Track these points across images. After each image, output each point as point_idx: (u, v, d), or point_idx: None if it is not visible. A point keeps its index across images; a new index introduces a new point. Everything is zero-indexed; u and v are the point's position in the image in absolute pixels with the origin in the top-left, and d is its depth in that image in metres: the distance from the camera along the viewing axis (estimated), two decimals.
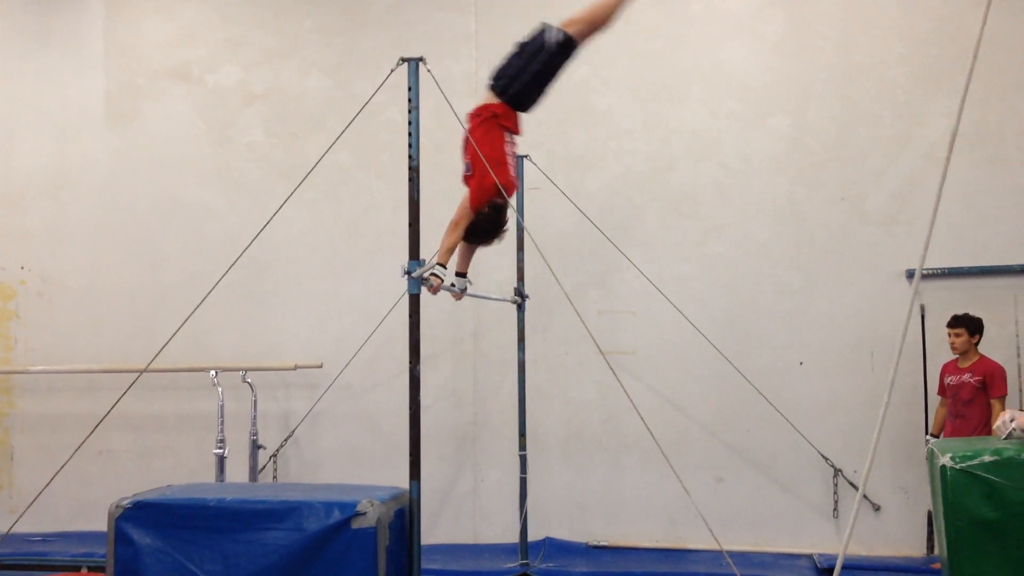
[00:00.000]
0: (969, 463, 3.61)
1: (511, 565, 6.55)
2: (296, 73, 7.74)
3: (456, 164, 7.21)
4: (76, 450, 4.98)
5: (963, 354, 6.27)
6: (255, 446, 6.93)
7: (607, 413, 7.16)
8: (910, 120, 6.95)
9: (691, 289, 7.02)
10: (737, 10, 7.23)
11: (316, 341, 7.48)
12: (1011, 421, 3.80)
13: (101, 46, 7.97)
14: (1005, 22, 6.58)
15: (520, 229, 6.48)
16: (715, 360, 6.74)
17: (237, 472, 7.04)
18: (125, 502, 4.19)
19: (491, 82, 4.93)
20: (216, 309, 6.15)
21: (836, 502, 6.84)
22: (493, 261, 6.71)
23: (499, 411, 7.26)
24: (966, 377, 6.19)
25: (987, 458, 3.60)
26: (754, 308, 7.06)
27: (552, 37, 4.80)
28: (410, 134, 4.52)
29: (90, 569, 6.57)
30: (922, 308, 6.64)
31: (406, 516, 4.29)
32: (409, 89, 4.54)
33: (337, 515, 4.00)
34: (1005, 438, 3.81)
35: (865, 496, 6.72)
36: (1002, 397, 6.10)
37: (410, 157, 4.50)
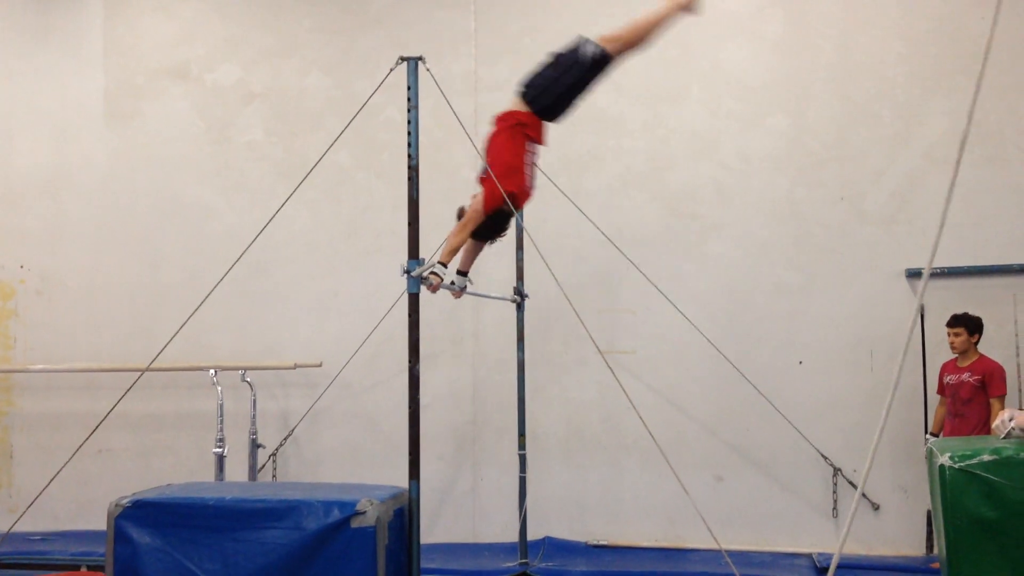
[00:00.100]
0: (968, 462, 3.61)
1: (510, 564, 6.55)
2: (295, 72, 7.74)
3: (455, 163, 7.29)
4: (77, 450, 4.99)
5: (962, 353, 6.27)
6: (254, 445, 6.93)
7: (606, 412, 7.16)
8: (910, 120, 6.95)
9: (690, 289, 7.02)
10: (737, 10, 7.23)
11: (315, 340, 7.48)
12: (1010, 420, 3.80)
13: (100, 45, 7.97)
14: (1007, 22, 6.53)
15: (520, 228, 6.48)
16: (714, 359, 6.74)
17: (236, 471, 7.04)
18: (124, 501, 4.19)
19: (521, 89, 4.89)
20: (215, 308, 6.14)
21: (835, 501, 6.85)
22: (493, 260, 6.71)
23: (498, 410, 7.26)
24: (965, 376, 6.19)
25: (986, 457, 3.60)
26: (753, 307, 7.06)
27: (588, 51, 4.76)
28: (409, 133, 4.52)
29: (89, 568, 6.57)
30: (922, 308, 6.64)
31: (405, 515, 4.29)
32: (408, 88, 4.54)
33: (336, 514, 4.00)
34: (1004, 437, 3.81)
35: (864, 495, 6.73)
36: (1001, 396, 6.11)
37: (409, 156, 4.50)
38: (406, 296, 4.47)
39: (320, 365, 7.24)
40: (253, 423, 6.98)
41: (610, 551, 6.97)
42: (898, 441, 6.68)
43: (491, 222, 4.84)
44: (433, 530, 7.09)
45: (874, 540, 6.76)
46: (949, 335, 6.31)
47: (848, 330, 6.93)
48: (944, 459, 3.66)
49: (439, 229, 6.00)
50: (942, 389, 6.43)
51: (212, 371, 6.85)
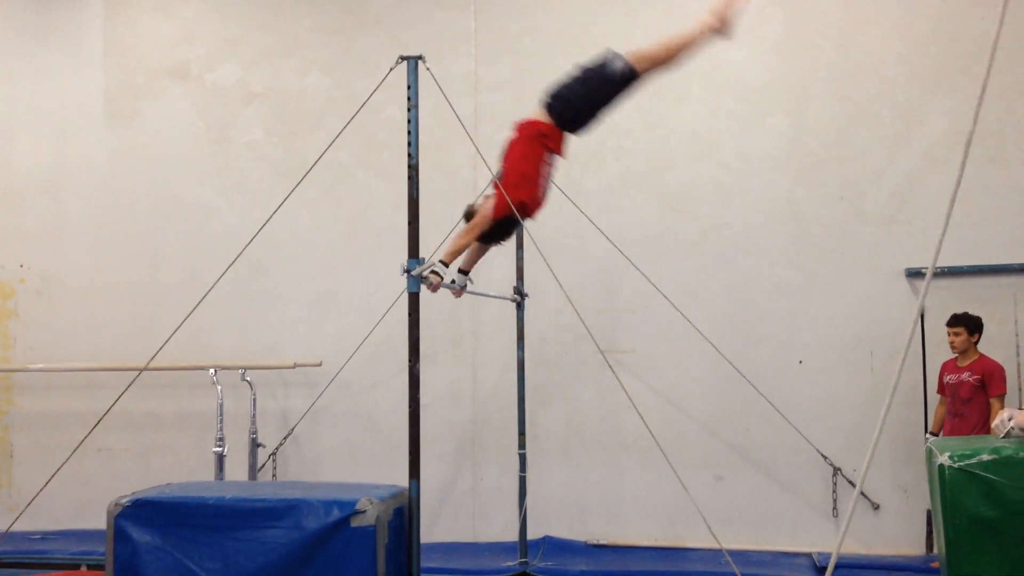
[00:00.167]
0: (967, 462, 3.61)
1: (510, 563, 6.55)
2: (295, 72, 7.74)
3: (455, 162, 7.29)
4: (76, 449, 4.98)
5: (962, 353, 6.27)
6: (254, 444, 6.93)
7: (606, 412, 7.16)
8: (909, 119, 6.95)
9: (690, 288, 7.02)
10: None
11: (315, 339, 7.48)
12: (1009, 420, 3.81)
13: (100, 45, 7.97)
14: (1007, 21, 6.56)
15: (520, 228, 6.48)
16: (714, 359, 6.74)
17: (236, 471, 7.05)
18: (124, 500, 4.19)
19: (546, 100, 4.82)
20: (215, 307, 6.15)
21: (835, 501, 6.85)
22: (493, 260, 6.68)
23: (498, 410, 7.26)
24: (965, 376, 6.19)
25: (985, 457, 3.60)
26: (753, 307, 7.06)
27: (617, 68, 4.71)
28: (409, 132, 4.52)
29: (89, 567, 6.57)
30: (922, 307, 6.63)
31: (405, 514, 4.29)
32: (408, 88, 4.54)
33: (336, 513, 4.00)
34: (1003, 437, 3.81)
35: (864, 495, 6.73)
36: (1001, 396, 6.11)
37: (409, 155, 4.50)
38: (406, 295, 4.48)
39: (320, 364, 7.24)
40: (253, 422, 6.98)
41: (610, 550, 6.97)
42: (898, 441, 6.68)
43: (499, 227, 4.87)
44: (433, 529, 7.10)
45: (874, 539, 6.76)
46: (949, 335, 6.31)
47: (848, 330, 6.93)
48: (943, 458, 3.67)
49: (439, 228, 6.02)
50: (942, 389, 6.43)
51: (212, 370, 6.85)
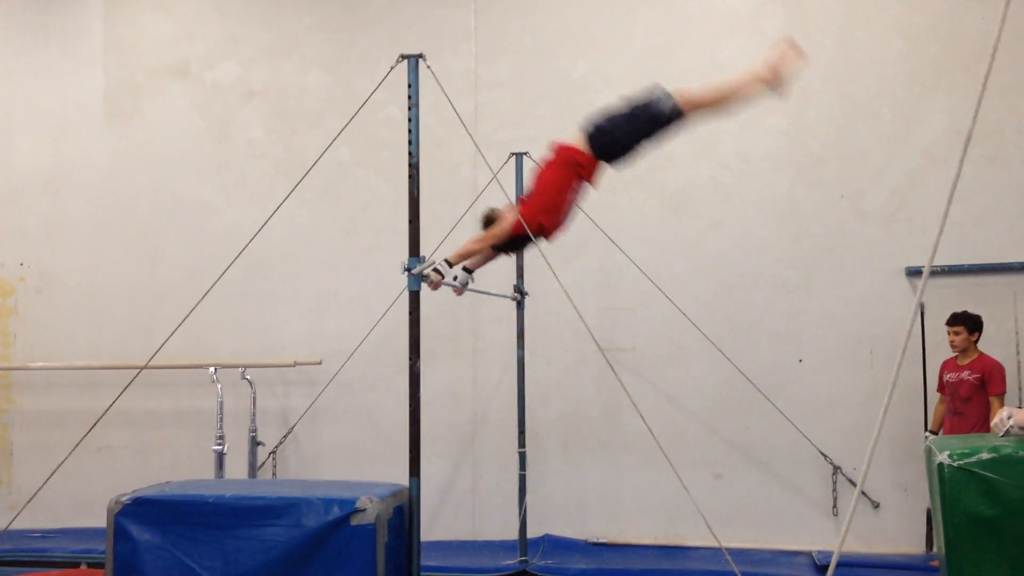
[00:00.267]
0: (967, 460, 3.61)
1: (510, 562, 6.55)
2: (295, 70, 7.74)
3: (456, 160, 7.29)
4: (75, 446, 4.98)
5: (962, 352, 6.27)
6: (254, 443, 6.94)
7: (606, 410, 7.17)
8: (909, 118, 6.95)
9: (690, 287, 7.02)
10: (736, 8, 7.22)
11: (315, 338, 7.48)
12: (1009, 418, 3.80)
13: (100, 43, 7.97)
14: (1007, 21, 6.57)
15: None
16: (714, 357, 6.75)
17: (236, 469, 7.05)
18: (124, 498, 4.19)
19: (589, 129, 4.77)
20: (215, 306, 6.13)
21: (835, 499, 6.85)
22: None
23: (498, 408, 7.26)
24: (965, 374, 6.19)
25: (985, 456, 3.60)
26: (753, 306, 7.06)
27: (665, 108, 4.68)
28: (410, 131, 4.52)
29: (89, 565, 6.57)
30: (922, 306, 6.63)
31: (405, 513, 4.29)
32: (409, 86, 4.53)
33: (336, 512, 4.00)
34: (1003, 435, 3.80)
35: (864, 493, 6.73)
36: (1001, 395, 6.11)
37: (410, 154, 4.50)
38: (406, 294, 4.47)
39: (320, 363, 7.24)
40: (253, 421, 6.99)
41: (610, 549, 6.97)
42: (898, 439, 6.68)
43: (513, 243, 4.90)
44: (433, 528, 7.10)
45: (874, 538, 6.76)
46: (949, 333, 6.31)
47: (848, 328, 6.93)
48: (943, 457, 3.66)
49: (439, 227, 6.02)
50: (942, 387, 6.43)
51: (212, 369, 6.85)
